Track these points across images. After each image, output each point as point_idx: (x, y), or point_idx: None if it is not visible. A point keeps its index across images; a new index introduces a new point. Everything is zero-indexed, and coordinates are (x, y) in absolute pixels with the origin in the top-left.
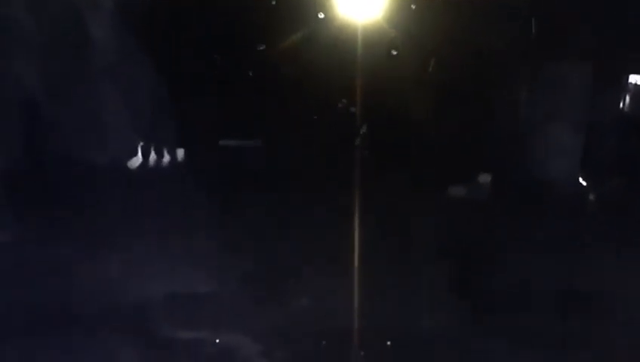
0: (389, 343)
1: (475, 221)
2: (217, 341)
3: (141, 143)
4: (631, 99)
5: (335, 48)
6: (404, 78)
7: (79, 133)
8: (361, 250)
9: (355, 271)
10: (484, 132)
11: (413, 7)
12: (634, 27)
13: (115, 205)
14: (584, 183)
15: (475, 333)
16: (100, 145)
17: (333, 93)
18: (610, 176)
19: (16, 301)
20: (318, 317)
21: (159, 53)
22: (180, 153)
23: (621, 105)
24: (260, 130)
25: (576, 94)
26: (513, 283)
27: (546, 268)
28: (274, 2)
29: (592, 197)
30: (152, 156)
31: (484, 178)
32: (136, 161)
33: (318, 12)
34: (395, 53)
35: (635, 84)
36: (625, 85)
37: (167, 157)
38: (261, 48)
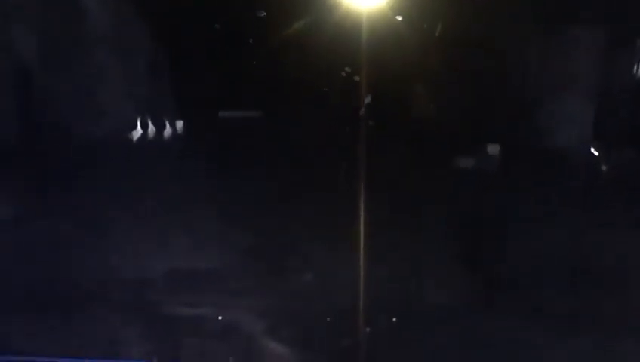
0: (394, 319)
1: (484, 193)
2: (220, 318)
3: (140, 115)
4: None
5: (339, 15)
6: (409, 46)
7: (76, 105)
8: (366, 223)
9: (361, 246)
10: (492, 101)
11: None
12: None
13: (113, 179)
14: (596, 153)
15: (482, 309)
16: (98, 117)
17: (336, 62)
18: (623, 145)
19: (15, 278)
20: (323, 294)
21: (157, 22)
22: (180, 125)
23: (635, 71)
24: (262, 100)
25: (589, 60)
26: (523, 257)
27: (556, 241)
28: None
29: (604, 167)
30: (151, 128)
31: (493, 149)
32: (135, 133)
33: None
34: (400, 18)
35: None
36: (636, 52)
37: (166, 130)
38: (262, 15)
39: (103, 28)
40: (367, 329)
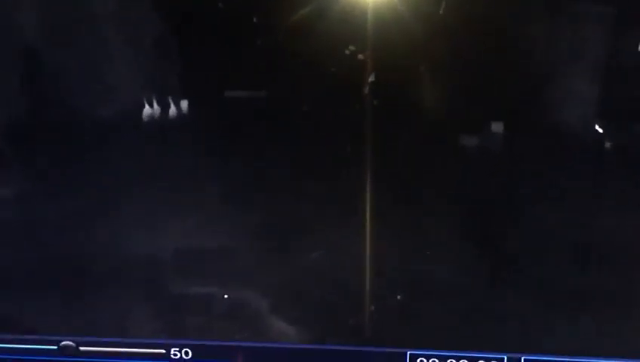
0: (399, 297)
1: (490, 171)
2: (226, 296)
3: (146, 95)
4: None
5: None
6: (414, 23)
7: (83, 83)
8: (372, 202)
9: (367, 224)
10: (497, 79)
11: None
12: None
13: (119, 158)
14: (601, 130)
15: (488, 287)
16: (105, 97)
17: (340, 40)
18: (629, 123)
19: (25, 256)
20: (328, 272)
21: (162, 2)
22: (185, 104)
23: (639, 49)
24: (266, 80)
25: (594, 38)
26: (530, 236)
27: (562, 219)
28: None
29: (609, 145)
30: (157, 107)
31: (497, 127)
32: (143, 112)
33: None
34: None
35: None
36: None
37: (173, 108)
38: None
39: (108, 6)
40: (372, 307)
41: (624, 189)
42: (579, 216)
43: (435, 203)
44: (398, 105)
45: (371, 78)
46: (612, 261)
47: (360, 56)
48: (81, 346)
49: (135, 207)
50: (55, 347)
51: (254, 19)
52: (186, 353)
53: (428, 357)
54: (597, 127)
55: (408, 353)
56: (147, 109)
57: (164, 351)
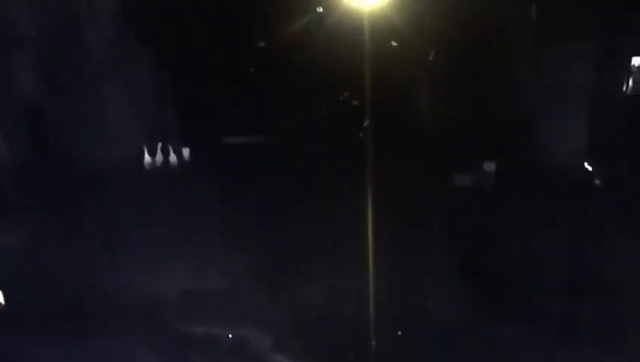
0: (399, 333)
1: (484, 208)
2: (230, 336)
3: (146, 142)
4: (634, 81)
5: (338, 42)
6: (407, 70)
7: (85, 133)
8: (370, 241)
9: (366, 264)
10: (488, 120)
11: None
12: (636, 8)
13: (122, 204)
14: (589, 168)
15: (486, 320)
16: (106, 145)
17: (335, 87)
18: (615, 160)
19: (29, 300)
20: (330, 310)
21: (161, 52)
22: (186, 151)
23: (625, 88)
24: (264, 126)
25: (580, 78)
26: (524, 269)
27: (555, 253)
28: None
29: (597, 181)
30: (158, 155)
31: (490, 166)
32: (143, 160)
33: (318, 6)
34: (395, 44)
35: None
36: (628, 67)
37: (172, 156)
38: (261, 45)
39: (109, 58)
40: (374, 343)
41: (613, 223)
42: (570, 250)
43: (433, 241)
44: (393, 148)
45: (366, 123)
46: (602, 291)
47: (355, 102)
48: None
49: (136, 251)
50: None
51: (252, 69)
52: None
53: None
54: (586, 164)
55: None
56: (147, 157)
57: None
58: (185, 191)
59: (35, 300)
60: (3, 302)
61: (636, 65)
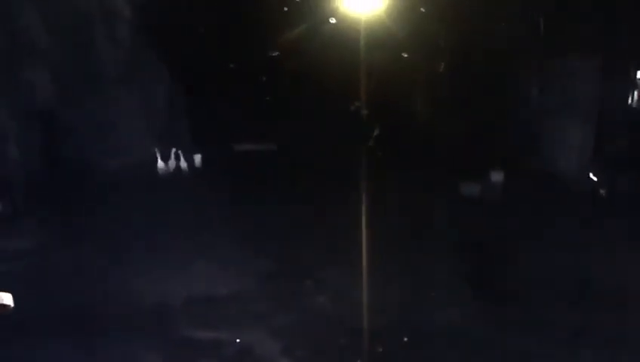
0: (406, 339)
1: (489, 217)
2: (238, 340)
3: (158, 149)
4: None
5: (347, 53)
6: (415, 81)
7: (97, 139)
8: (378, 249)
9: (374, 271)
10: (495, 131)
11: (422, 9)
12: None
13: (133, 209)
14: (595, 178)
15: (490, 329)
16: (118, 151)
17: (345, 97)
18: (620, 171)
19: (40, 303)
20: (336, 315)
21: (173, 61)
22: (197, 158)
23: (630, 100)
24: (275, 134)
25: (586, 90)
26: (526, 279)
27: (558, 263)
28: (286, 9)
29: (602, 192)
30: (170, 161)
31: (497, 176)
32: (154, 165)
33: (330, 17)
34: (405, 56)
35: None
36: (634, 80)
37: (183, 162)
38: (275, 54)
39: (122, 66)
40: (380, 349)
41: (619, 234)
42: (575, 262)
43: (439, 250)
44: (400, 156)
45: (376, 132)
46: (607, 301)
47: (364, 112)
48: None
49: (146, 256)
50: None
51: (264, 79)
52: None
53: None
54: (591, 175)
55: None
56: (159, 164)
57: None
58: (194, 197)
59: (45, 304)
60: (12, 305)
61: None
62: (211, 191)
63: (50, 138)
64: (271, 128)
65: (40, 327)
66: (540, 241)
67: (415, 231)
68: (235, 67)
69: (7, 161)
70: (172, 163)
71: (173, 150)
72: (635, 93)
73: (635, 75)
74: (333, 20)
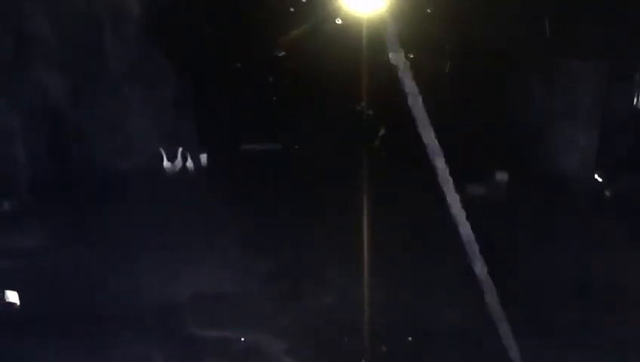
0: (410, 339)
1: (494, 218)
2: (243, 339)
3: (164, 148)
4: None
5: (353, 53)
6: (421, 81)
7: (104, 139)
8: (383, 249)
9: (378, 270)
10: (499, 131)
11: (429, 10)
12: None
13: (139, 208)
14: (599, 179)
15: (494, 329)
16: (126, 150)
17: (351, 97)
18: (625, 172)
19: (48, 302)
20: (340, 314)
21: (181, 60)
22: (203, 157)
23: (635, 102)
24: (281, 134)
25: (591, 92)
26: (530, 279)
27: (562, 264)
28: (293, 9)
29: (607, 193)
30: (176, 160)
31: (501, 176)
32: (161, 165)
33: (337, 18)
34: (411, 56)
35: None
36: (638, 82)
37: (190, 162)
38: (280, 54)
39: (129, 65)
40: (384, 348)
41: (622, 235)
42: (578, 260)
43: (446, 251)
44: (405, 156)
45: (381, 132)
46: (610, 301)
47: (370, 112)
48: None
49: (152, 255)
50: None
51: (270, 79)
52: None
53: None
54: (596, 176)
55: None
56: (165, 163)
57: None
58: (202, 197)
59: (52, 302)
60: (18, 302)
61: None
62: (219, 191)
63: (57, 137)
64: (277, 128)
65: (45, 325)
66: (545, 241)
67: (423, 231)
68: (242, 67)
69: (14, 159)
70: (179, 162)
71: (180, 149)
72: None
73: None
74: (339, 21)
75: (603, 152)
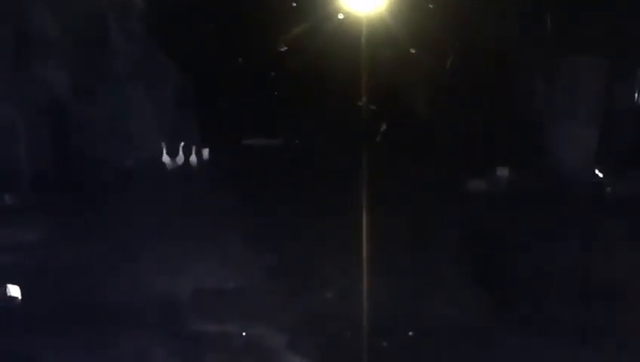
0: (410, 333)
1: (495, 213)
2: (244, 334)
3: (166, 143)
4: None
5: (355, 48)
6: (423, 77)
7: (106, 134)
8: (385, 244)
9: (380, 265)
10: (501, 127)
11: (431, 6)
12: None
13: (142, 204)
14: (600, 175)
15: (494, 325)
16: (127, 145)
17: (353, 92)
18: (626, 168)
19: (50, 298)
20: (341, 309)
21: (183, 57)
22: (205, 152)
23: (636, 98)
24: (282, 129)
25: (592, 88)
26: (530, 275)
27: (562, 259)
28: (294, 4)
29: (608, 189)
30: (179, 156)
31: (502, 171)
32: (162, 160)
33: (338, 13)
34: (413, 51)
35: None
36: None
37: (192, 157)
38: (283, 49)
39: (132, 61)
40: (385, 344)
41: (623, 232)
42: (579, 257)
43: (447, 245)
44: (408, 152)
45: (383, 128)
46: (611, 299)
47: (372, 107)
48: None
49: (154, 251)
50: None
51: (272, 74)
52: None
53: None
54: (597, 171)
55: None
56: (166, 158)
57: None
58: (204, 193)
59: (54, 298)
60: (19, 297)
61: None
62: (221, 187)
63: (60, 132)
64: (279, 124)
65: (47, 320)
66: (548, 239)
67: (425, 226)
68: (244, 63)
69: (18, 154)
70: (181, 158)
71: (182, 144)
72: None
73: None
74: (341, 16)
75: (605, 150)
